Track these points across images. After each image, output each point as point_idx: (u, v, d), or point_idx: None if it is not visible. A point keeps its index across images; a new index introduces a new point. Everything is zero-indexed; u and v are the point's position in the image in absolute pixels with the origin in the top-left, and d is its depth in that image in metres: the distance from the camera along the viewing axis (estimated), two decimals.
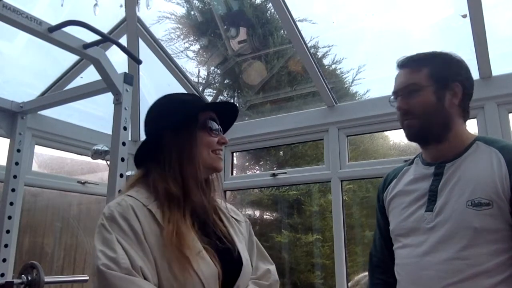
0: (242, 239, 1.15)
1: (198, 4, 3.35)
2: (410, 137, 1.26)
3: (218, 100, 3.71)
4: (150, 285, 0.90)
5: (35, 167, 2.68)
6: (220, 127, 1.17)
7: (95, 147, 2.40)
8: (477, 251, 1.05)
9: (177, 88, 2.93)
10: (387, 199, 1.33)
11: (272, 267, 1.20)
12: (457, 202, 1.11)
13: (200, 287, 0.94)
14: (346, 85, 3.08)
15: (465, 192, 1.11)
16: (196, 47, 3.40)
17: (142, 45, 2.81)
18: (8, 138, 2.20)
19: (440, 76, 1.20)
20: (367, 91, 2.90)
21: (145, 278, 0.90)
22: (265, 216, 3.92)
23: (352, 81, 3.01)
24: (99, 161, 2.53)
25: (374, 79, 2.85)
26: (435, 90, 1.20)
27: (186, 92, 2.85)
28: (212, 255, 0.99)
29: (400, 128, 2.35)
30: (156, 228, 0.97)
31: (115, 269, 0.87)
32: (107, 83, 1.77)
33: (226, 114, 1.21)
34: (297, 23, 2.32)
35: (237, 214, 1.23)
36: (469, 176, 1.13)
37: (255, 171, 3.90)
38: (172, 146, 1.08)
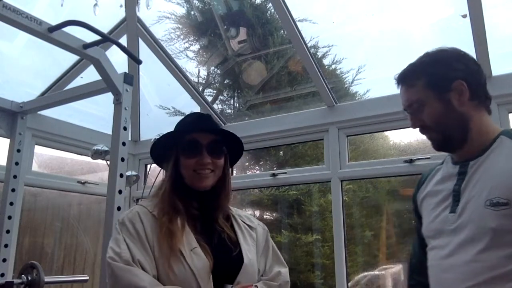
0: (251, 243, 1.27)
1: (198, 4, 3.36)
2: (437, 149, 1.22)
3: (218, 100, 3.71)
4: (145, 273, 1.06)
5: (35, 167, 2.68)
6: (205, 148, 1.23)
7: (95, 147, 2.40)
8: (495, 254, 1.01)
9: (177, 88, 2.93)
10: (419, 200, 1.29)
11: (284, 270, 1.31)
12: (477, 202, 1.06)
13: (192, 278, 1.08)
14: (346, 85, 3.08)
15: (484, 191, 1.06)
16: (196, 47, 3.40)
17: (142, 45, 2.81)
18: (8, 138, 2.19)
19: (436, 81, 1.16)
20: (367, 91, 2.91)
21: (143, 269, 1.07)
22: (265, 216, 3.92)
23: (352, 81, 3.01)
24: (99, 161, 2.53)
25: (374, 79, 2.85)
26: (437, 97, 1.16)
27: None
28: (206, 251, 1.14)
29: (400, 128, 2.38)
30: (157, 229, 1.15)
31: (118, 261, 1.07)
32: (107, 83, 1.77)
33: (233, 141, 1.33)
34: (297, 23, 2.32)
35: (252, 221, 1.36)
36: (489, 174, 1.08)
37: (255, 171, 3.90)
38: (167, 167, 1.26)
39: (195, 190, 1.23)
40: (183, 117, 1.35)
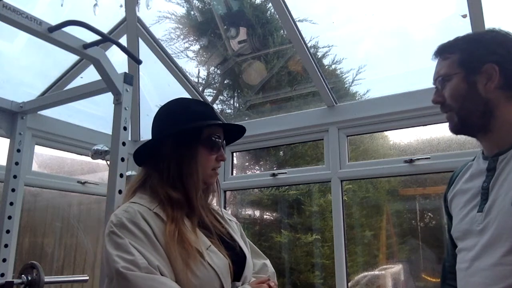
0: (240, 237, 1.23)
1: (198, 4, 3.35)
2: (452, 131, 1.14)
3: (217, 100, 3.71)
4: (170, 280, 0.94)
5: (35, 167, 2.68)
6: (224, 142, 1.20)
7: (95, 147, 2.40)
8: None
9: (177, 88, 2.93)
10: (449, 199, 1.22)
11: (268, 262, 1.28)
12: (503, 201, 0.99)
13: (216, 279, 1.00)
14: (346, 85, 3.08)
15: (511, 189, 0.98)
16: (196, 47, 3.40)
17: (142, 45, 2.81)
18: (8, 138, 2.19)
19: (469, 60, 1.08)
20: (367, 91, 2.91)
21: (163, 276, 0.95)
22: (265, 216, 3.92)
23: (352, 81, 3.01)
24: (99, 161, 2.53)
25: (374, 79, 2.85)
26: (464, 77, 1.07)
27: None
28: (220, 248, 1.07)
29: (400, 128, 2.38)
30: (164, 228, 1.02)
31: (135, 270, 0.92)
32: (107, 83, 1.77)
33: (233, 131, 1.26)
34: (297, 23, 2.32)
35: (229, 215, 1.31)
36: None
37: (255, 171, 3.90)
38: (172, 155, 1.12)
39: (196, 185, 1.12)
40: (184, 106, 1.20)
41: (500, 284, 0.95)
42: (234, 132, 1.27)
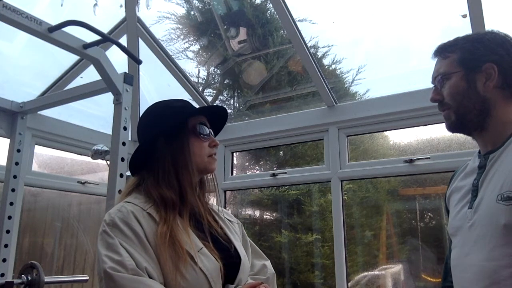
0: (237, 237, 1.21)
1: (198, 4, 3.35)
2: (448, 128, 1.16)
3: (217, 100, 3.71)
4: (157, 283, 0.94)
5: (35, 167, 2.68)
6: (210, 130, 1.21)
7: (95, 147, 2.40)
8: (507, 251, 0.95)
9: (177, 88, 2.93)
10: (447, 197, 1.25)
11: (268, 263, 1.26)
12: (490, 197, 1.01)
13: (205, 282, 0.99)
14: (346, 85, 3.08)
15: (498, 186, 1.01)
16: (196, 47, 3.40)
17: (142, 45, 2.81)
18: (8, 138, 2.20)
19: (469, 59, 1.10)
20: (367, 91, 2.91)
21: (150, 278, 0.94)
22: (265, 216, 3.92)
23: (352, 81, 3.01)
24: (99, 161, 2.53)
25: (374, 79, 2.86)
26: (463, 75, 1.10)
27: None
28: (212, 250, 1.05)
29: (400, 128, 2.38)
30: (156, 229, 1.02)
31: (122, 271, 0.92)
32: (107, 83, 1.78)
33: (216, 116, 1.26)
34: (297, 23, 2.32)
35: (229, 215, 1.29)
36: (504, 167, 1.02)
37: (255, 171, 3.90)
38: (165, 154, 1.13)
39: (191, 177, 1.12)
40: (161, 106, 1.22)
41: (489, 280, 0.97)
42: (218, 117, 1.27)
